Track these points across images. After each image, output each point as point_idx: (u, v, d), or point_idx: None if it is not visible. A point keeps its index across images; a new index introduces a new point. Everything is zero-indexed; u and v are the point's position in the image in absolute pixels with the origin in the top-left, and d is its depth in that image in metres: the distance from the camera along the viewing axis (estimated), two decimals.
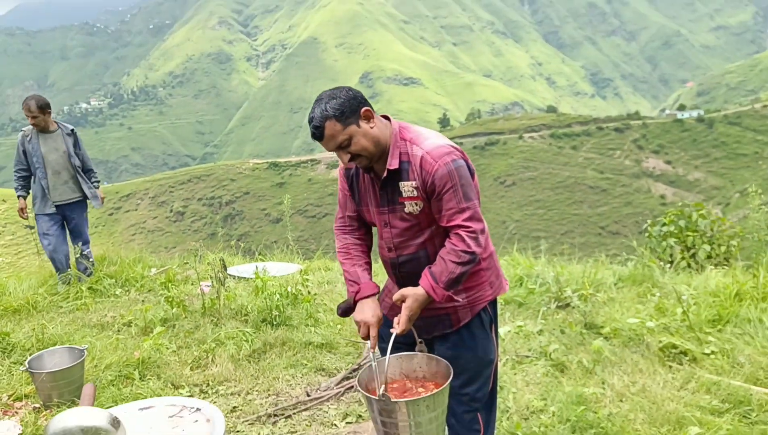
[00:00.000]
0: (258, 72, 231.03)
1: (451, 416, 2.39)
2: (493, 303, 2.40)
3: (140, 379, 3.79)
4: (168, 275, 5.98)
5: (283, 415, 3.32)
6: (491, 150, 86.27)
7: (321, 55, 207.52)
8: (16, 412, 3.47)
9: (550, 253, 6.08)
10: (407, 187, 2.19)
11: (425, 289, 2.15)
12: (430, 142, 2.18)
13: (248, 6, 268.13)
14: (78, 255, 6.11)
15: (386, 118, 2.28)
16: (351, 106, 2.13)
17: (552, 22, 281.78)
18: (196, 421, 2.06)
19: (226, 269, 5.71)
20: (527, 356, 3.80)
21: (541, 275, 5.12)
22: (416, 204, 2.19)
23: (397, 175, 2.20)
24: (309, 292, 5.01)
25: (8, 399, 3.64)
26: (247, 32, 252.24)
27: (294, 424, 3.23)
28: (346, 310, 2.36)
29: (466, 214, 2.12)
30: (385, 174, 2.21)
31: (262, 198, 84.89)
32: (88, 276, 6.04)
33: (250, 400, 3.54)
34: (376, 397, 2.00)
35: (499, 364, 3.02)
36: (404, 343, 2.32)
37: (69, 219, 6.07)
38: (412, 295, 2.16)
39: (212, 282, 5.30)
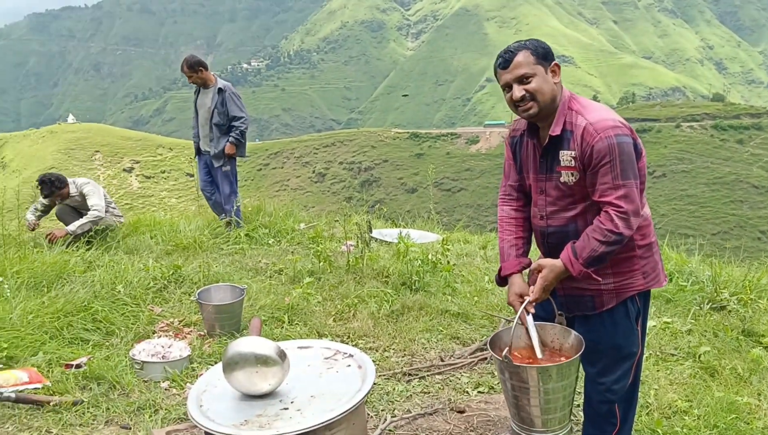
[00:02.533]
0: (407, 42, 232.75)
1: (587, 404, 2.41)
2: (645, 295, 2.32)
3: (289, 323, 4.11)
4: (316, 231, 6.36)
5: (417, 375, 3.46)
6: (643, 137, 78.74)
7: (471, 27, 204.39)
8: (185, 336, 3.92)
9: (701, 252, 5.69)
10: (566, 156, 2.19)
11: (563, 262, 2.16)
12: (596, 114, 2.16)
13: None
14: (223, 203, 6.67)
15: (573, 94, 2.29)
16: (547, 53, 2.20)
17: (731, 2, 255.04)
18: (349, 365, 2.22)
19: (371, 231, 5.94)
20: (673, 355, 3.63)
21: (695, 273, 4.82)
22: (572, 174, 2.18)
23: (559, 143, 2.21)
24: (448, 262, 5.11)
25: (179, 324, 4.13)
26: (401, 1, 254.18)
27: (427, 385, 3.36)
28: (498, 282, 2.44)
29: (620, 192, 2.08)
30: (546, 140, 2.23)
31: (399, 167, 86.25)
32: (230, 225, 6.51)
33: (386, 357, 3.71)
34: (501, 358, 2.09)
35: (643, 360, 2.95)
36: (545, 318, 2.34)
37: (212, 169, 6.67)
38: (549, 265, 2.19)
39: (357, 242, 5.57)
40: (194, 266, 5.17)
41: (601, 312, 2.26)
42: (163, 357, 3.36)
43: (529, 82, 2.15)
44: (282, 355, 2.06)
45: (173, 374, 3.27)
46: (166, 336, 3.82)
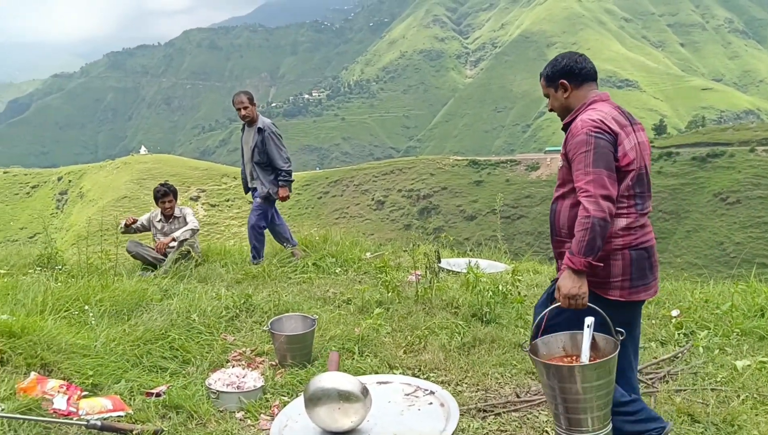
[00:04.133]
0: (466, 70, 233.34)
1: None
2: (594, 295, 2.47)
3: (359, 354, 4.08)
4: (383, 260, 6.35)
5: (492, 411, 3.34)
6: (714, 163, 77.37)
7: (531, 53, 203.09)
8: (258, 366, 3.95)
9: None
10: (563, 145, 2.62)
11: (566, 265, 2.43)
12: (587, 114, 2.54)
13: (463, 4, 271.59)
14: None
15: (602, 96, 2.66)
16: (554, 76, 2.70)
17: None
18: (431, 403, 2.17)
19: (440, 261, 5.88)
20: None
21: None
22: (561, 160, 2.62)
23: (566, 131, 2.62)
24: (519, 293, 4.98)
25: (251, 353, 4.16)
26: (460, 30, 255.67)
27: (503, 423, 3.24)
28: None
29: (589, 177, 2.38)
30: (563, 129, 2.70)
31: (458, 194, 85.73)
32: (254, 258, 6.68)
33: (459, 391, 3.61)
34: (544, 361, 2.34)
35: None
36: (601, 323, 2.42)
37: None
38: (562, 275, 2.46)
39: (425, 271, 5.51)
40: (264, 295, 5.24)
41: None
42: (237, 387, 3.38)
43: (548, 99, 2.78)
44: (364, 391, 2.03)
45: (248, 405, 3.29)
46: (240, 365, 3.86)
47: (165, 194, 6.55)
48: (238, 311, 4.78)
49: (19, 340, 3.09)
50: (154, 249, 6.47)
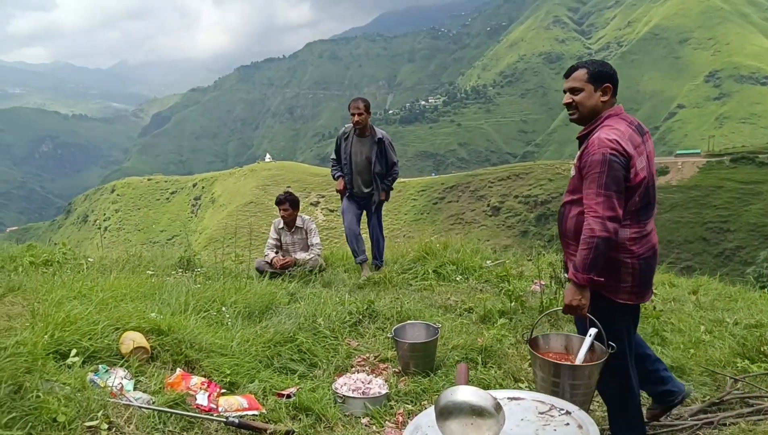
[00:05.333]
0: None
1: None
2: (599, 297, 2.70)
3: (483, 365, 4.00)
4: (504, 269, 6.20)
5: None
6: None
7: (661, 51, 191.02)
8: (381, 372, 3.98)
9: None
10: (577, 155, 2.75)
11: (570, 278, 2.65)
12: (605, 133, 2.62)
13: (585, 3, 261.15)
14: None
15: (617, 110, 2.76)
16: (602, 76, 2.74)
17: None
18: (567, 424, 2.06)
19: (566, 270, 5.65)
20: None
21: None
22: (574, 170, 2.74)
23: (580, 144, 2.78)
24: (654, 308, 4.66)
25: (375, 359, 4.21)
26: (582, 30, 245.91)
27: None
28: None
29: (600, 199, 2.53)
30: (578, 137, 2.84)
31: None
32: (363, 260, 6.68)
33: (591, 410, 3.43)
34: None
35: None
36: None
37: (368, 211, 6.82)
38: (567, 288, 2.71)
39: (549, 281, 5.32)
40: (386, 302, 5.30)
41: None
42: (363, 393, 3.43)
43: (576, 94, 2.76)
44: (497, 407, 1.96)
45: (373, 411, 3.32)
46: (364, 371, 3.92)
47: (281, 202, 6.72)
48: (361, 317, 4.86)
49: (167, 338, 3.33)
50: (274, 264, 6.49)
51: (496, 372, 3.91)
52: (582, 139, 2.79)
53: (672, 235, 64.51)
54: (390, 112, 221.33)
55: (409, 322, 4.36)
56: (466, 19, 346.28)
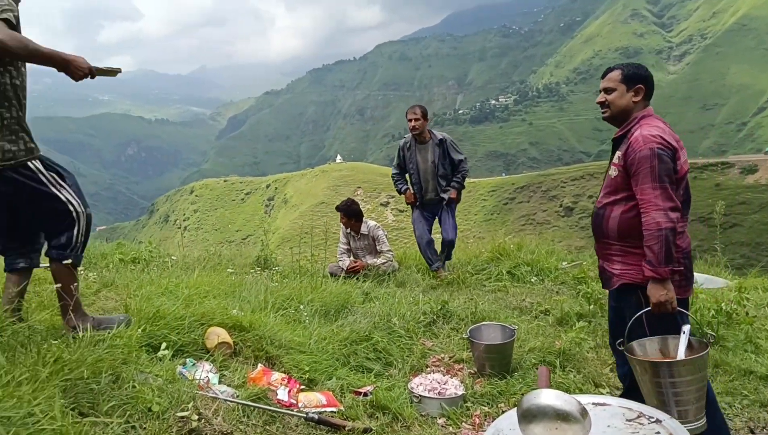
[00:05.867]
0: (668, 66, 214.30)
1: None
2: (640, 289, 2.74)
3: (561, 369, 3.90)
4: (582, 270, 6.03)
5: None
6: None
7: (749, 42, 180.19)
8: (456, 373, 3.96)
9: None
10: (617, 155, 2.83)
11: (648, 277, 2.63)
12: (649, 129, 2.70)
13: None
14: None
15: (649, 111, 2.86)
16: (636, 78, 2.86)
17: None
18: (658, 433, 1.97)
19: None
20: None
21: None
22: (616, 170, 2.81)
23: (617, 143, 2.89)
24: (747, 313, 4.41)
25: (449, 360, 4.19)
26: (662, 23, 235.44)
27: None
28: None
29: (657, 192, 2.58)
30: (613, 139, 2.93)
31: None
32: (443, 259, 6.64)
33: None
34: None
35: None
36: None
37: (435, 213, 6.74)
38: (648, 288, 2.66)
39: None
40: (460, 302, 5.26)
41: (611, 289, 2.98)
42: (439, 393, 3.42)
43: (609, 94, 2.89)
44: (583, 412, 1.91)
45: (449, 412, 3.30)
46: (439, 371, 3.90)
47: (338, 209, 6.70)
48: (435, 317, 4.85)
49: (248, 334, 3.44)
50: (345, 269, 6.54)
51: (575, 376, 3.81)
52: (617, 140, 2.90)
53: (761, 238, 60.89)
54: (460, 112, 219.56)
55: (484, 323, 4.32)
56: (538, 16, 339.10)
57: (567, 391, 3.52)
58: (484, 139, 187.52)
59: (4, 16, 2.55)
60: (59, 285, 2.83)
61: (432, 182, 6.61)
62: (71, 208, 2.91)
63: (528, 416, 1.94)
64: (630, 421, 2.07)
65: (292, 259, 6.62)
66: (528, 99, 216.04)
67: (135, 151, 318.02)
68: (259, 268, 6.10)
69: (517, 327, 4.19)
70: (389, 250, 6.70)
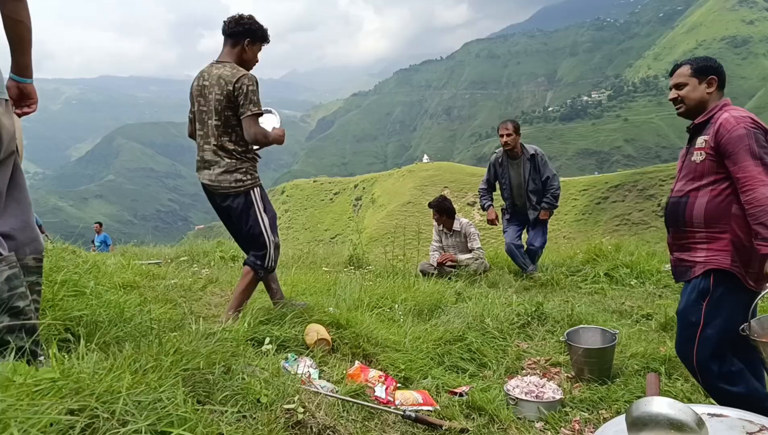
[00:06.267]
0: None
1: None
2: (726, 275, 2.69)
3: (667, 377, 3.72)
4: None
5: None
6: None
7: None
8: (553, 377, 3.87)
9: None
10: (700, 139, 2.78)
11: (766, 253, 2.49)
12: (737, 111, 2.70)
13: None
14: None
15: (727, 101, 2.83)
16: (706, 69, 2.84)
17: None
18: None
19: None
20: None
21: None
22: (701, 154, 2.76)
23: (698, 130, 2.84)
24: None
25: (545, 363, 4.10)
26: None
27: None
28: None
29: (759, 168, 2.53)
30: (691, 126, 2.90)
31: None
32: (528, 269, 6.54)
33: None
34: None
35: None
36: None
37: (525, 222, 6.68)
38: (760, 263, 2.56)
39: None
40: (555, 304, 5.14)
41: (690, 280, 2.84)
42: (536, 396, 3.35)
43: (681, 89, 2.88)
44: (700, 422, 1.81)
45: (548, 416, 3.23)
46: (535, 374, 3.83)
47: (431, 206, 6.80)
48: (529, 319, 4.76)
49: (345, 331, 3.52)
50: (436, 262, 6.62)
51: (683, 385, 3.61)
52: (696, 129, 2.86)
53: None
54: (549, 109, 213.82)
55: (582, 326, 4.19)
56: (635, 6, 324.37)
57: (675, 400, 3.36)
58: (575, 136, 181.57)
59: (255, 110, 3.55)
60: (243, 286, 3.65)
61: (523, 197, 6.61)
62: (264, 235, 3.64)
63: (638, 424, 1.86)
64: (751, 434, 1.95)
65: (385, 259, 6.70)
66: (623, 94, 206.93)
67: None
68: (352, 267, 6.22)
69: (618, 331, 4.04)
70: (480, 248, 6.69)
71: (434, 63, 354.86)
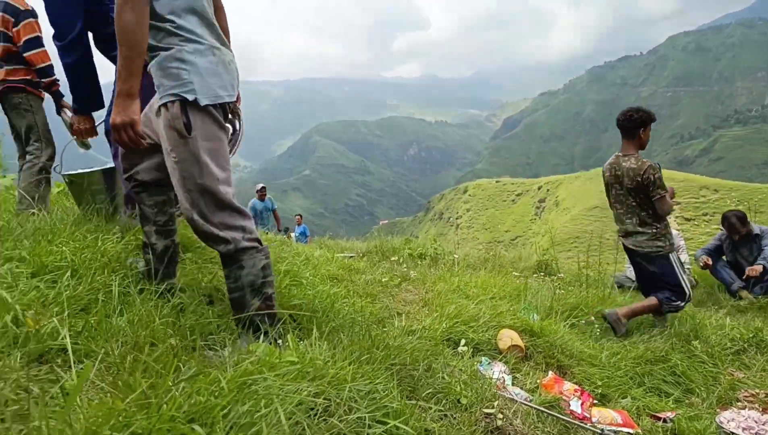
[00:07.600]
0: None
1: None
2: None
3: None
4: None
5: None
6: None
7: None
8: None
9: None
10: None
11: None
12: None
13: None
14: None
15: None
16: None
17: None
18: None
19: None
20: None
21: None
22: None
23: None
24: None
25: (765, 396, 3.65)
26: None
27: None
28: None
29: None
30: None
31: None
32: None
33: None
34: None
35: None
36: None
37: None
38: None
39: None
40: None
41: None
42: (756, 433, 3.00)
43: None
44: None
45: None
46: (754, 408, 3.43)
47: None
48: (745, 345, 4.28)
49: (539, 340, 3.45)
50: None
51: None
52: None
53: None
54: None
55: None
56: None
57: None
58: None
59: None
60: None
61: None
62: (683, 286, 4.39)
63: None
64: None
65: (578, 266, 6.45)
66: None
67: (416, 152, 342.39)
68: (541, 273, 6.08)
69: None
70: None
71: (633, 59, 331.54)
